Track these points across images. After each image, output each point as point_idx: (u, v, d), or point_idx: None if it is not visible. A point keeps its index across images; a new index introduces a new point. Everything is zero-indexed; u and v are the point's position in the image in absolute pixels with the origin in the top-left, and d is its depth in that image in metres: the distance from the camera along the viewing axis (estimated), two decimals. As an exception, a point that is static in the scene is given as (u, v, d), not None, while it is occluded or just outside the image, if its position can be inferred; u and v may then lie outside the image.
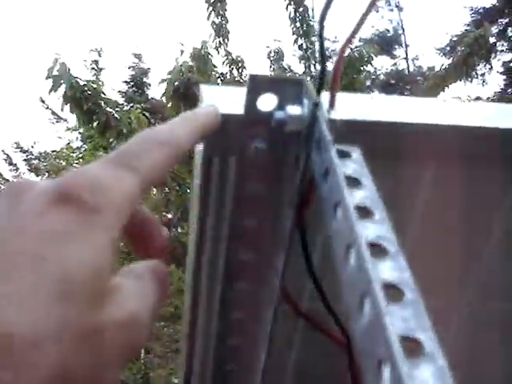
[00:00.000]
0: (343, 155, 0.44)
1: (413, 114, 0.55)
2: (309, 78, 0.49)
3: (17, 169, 9.64)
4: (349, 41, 0.47)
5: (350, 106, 0.54)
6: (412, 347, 0.31)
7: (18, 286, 0.26)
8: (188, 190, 4.67)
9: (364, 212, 0.39)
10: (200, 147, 0.52)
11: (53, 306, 0.27)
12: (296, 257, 0.59)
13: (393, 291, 0.34)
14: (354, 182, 0.41)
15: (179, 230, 5.56)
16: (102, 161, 0.34)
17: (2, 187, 5.36)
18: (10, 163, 9.93)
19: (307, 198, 0.52)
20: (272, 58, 6.07)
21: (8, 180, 6.09)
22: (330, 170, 0.40)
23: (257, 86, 0.47)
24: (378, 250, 0.36)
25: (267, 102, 0.48)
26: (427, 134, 0.53)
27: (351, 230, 0.34)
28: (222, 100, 0.53)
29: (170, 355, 5.17)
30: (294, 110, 0.46)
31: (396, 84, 12.07)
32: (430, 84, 6.54)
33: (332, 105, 0.47)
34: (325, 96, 0.48)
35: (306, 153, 0.47)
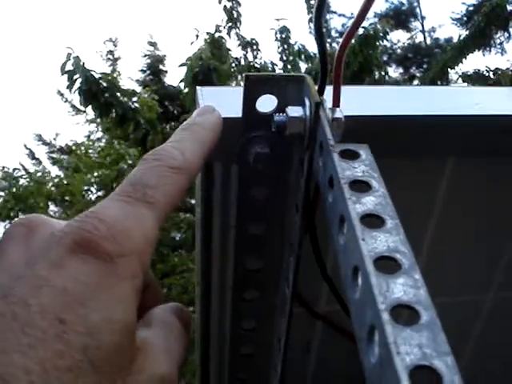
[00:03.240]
0: (350, 156, 0.41)
1: (426, 106, 0.51)
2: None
3: (40, 162, 9.72)
4: (351, 32, 0.43)
5: (357, 101, 0.50)
6: (432, 379, 0.28)
7: (43, 356, 0.24)
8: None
9: (374, 221, 0.35)
10: None
11: (81, 380, 0.25)
12: (311, 261, 0.56)
13: (408, 312, 0.31)
14: (362, 187, 0.38)
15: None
16: (117, 196, 0.32)
17: (25, 182, 5.40)
18: (33, 157, 10.01)
19: (314, 202, 0.48)
20: (279, 39, 5.99)
21: (31, 173, 6.14)
22: (334, 179, 0.37)
23: (254, 86, 0.44)
24: (390, 264, 0.33)
25: (267, 104, 0.45)
26: (443, 127, 0.49)
27: (357, 249, 0.31)
28: (221, 102, 0.50)
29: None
30: (294, 111, 0.43)
31: (413, 57, 11.86)
32: (448, 56, 6.41)
33: (336, 103, 0.44)
34: (329, 91, 0.44)
35: (310, 157, 0.43)
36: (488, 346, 0.74)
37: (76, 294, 0.26)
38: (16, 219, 0.32)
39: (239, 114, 0.45)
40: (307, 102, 0.43)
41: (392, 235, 0.35)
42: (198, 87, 0.50)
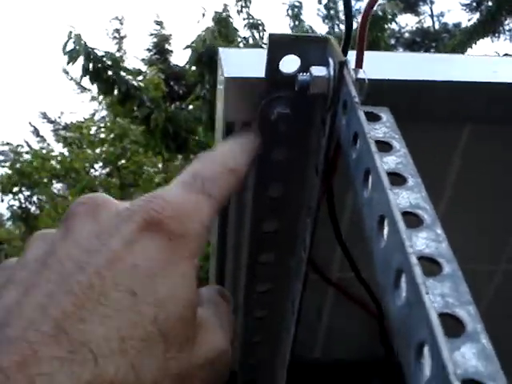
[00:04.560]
0: (372, 118, 0.41)
1: (447, 72, 0.52)
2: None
3: (44, 140, 9.73)
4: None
5: (379, 65, 0.50)
6: (453, 326, 0.28)
7: (119, 326, 0.26)
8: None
9: (397, 179, 0.36)
10: (219, 112, 0.50)
11: (153, 348, 0.27)
12: (325, 226, 0.57)
13: (430, 264, 0.31)
14: (384, 147, 0.38)
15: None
16: (179, 184, 0.34)
17: (29, 157, 5.40)
18: (38, 134, 10.02)
19: (334, 164, 0.49)
20: (290, 14, 5.94)
21: (36, 150, 6.13)
22: (359, 135, 0.37)
23: (278, 46, 0.44)
24: (412, 219, 0.34)
25: (290, 64, 0.45)
26: (463, 93, 0.50)
27: (385, 199, 0.32)
28: (242, 63, 0.50)
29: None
30: (318, 71, 0.43)
31: (421, 42, 11.79)
32: (457, 41, 6.38)
33: (359, 64, 0.44)
34: (351, 56, 0.45)
35: (332, 116, 0.44)
36: (495, 318, 0.75)
37: (145, 269, 0.28)
38: (79, 198, 0.33)
39: (261, 75, 0.45)
40: (331, 62, 0.43)
41: (414, 192, 0.35)
42: (220, 48, 0.51)
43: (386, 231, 0.31)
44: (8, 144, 6.12)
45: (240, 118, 0.50)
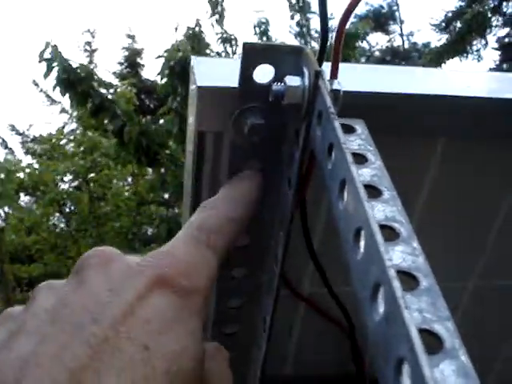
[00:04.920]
0: (347, 130, 0.40)
1: (422, 85, 0.51)
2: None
3: (12, 152, 9.58)
4: (352, 4, 0.43)
5: (354, 78, 0.50)
6: (431, 342, 0.28)
7: (133, 379, 0.26)
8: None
9: (372, 191, 0.35)
10: (191, 121, 0.49)
11: None
12: (297, 240, 0.56)
13: (407, 279, 0.30)
14: (359, 159, 0.38)
15: (176, 210, 5.54)
16: (186, 239, 0.36)
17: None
18: (6, 147, 9.87)
19: (307, 176, 0.48)
20: (257, 32, 5.97)
21: (1, 162, 6.02)
22: (335, 145, 0.37)
23: (251, 55, 0.43)
24: (389, 232, 0.33)
25: (264, 74, 0.44)
26: (437, 108, 0.49)
27: (362, 211, 0.31)
28: (215, 72, 0.49)
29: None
30: (293, 80, 0.42)
31: (391, 60, 11.95)
32: (427, 60, 6.48)
33: (334, 75, 0.43)
34: (326, 67, 0.44)
35: (307, 127, 0.43)
36: (465, 334, 0.74)
37: (157, 324, 0.29)
38: (89, 251, 0.34)
39: (234, 84, 0.44)
40: (306, 72, 0.42)
41: (389, 205, 0.35)
42: (192, 56, 0.50)
43: (362, 244, 0.30)
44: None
45: (212, 128, 0.49)
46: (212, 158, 0.51)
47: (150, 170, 5.44)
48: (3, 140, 9.71)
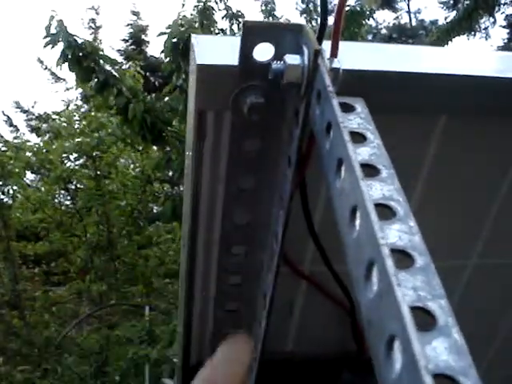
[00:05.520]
0: (346, 109, 0.40)
1: (422, 64, 0.51)
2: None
3: (17, 130, 9.58)
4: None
5: (354, 56, 0.49)
6: (425, 319, 0.28)
7: None
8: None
9: (370, 170, 0.35)
10: (191, 100, 0.49)
11: None
12: (297, 218, 0.56)
13: (402, 257, 0.30)
14: (358, 138, 0.38)
15: (181, 187, 5.54)
16: None
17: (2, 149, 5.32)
18: (11, 124, 9.87)
19: (307, 155, 0.48)
20: (264, 10, 5.90)
21: (8, 141, 6.01)
22: (333, 124, 0.37)
23: (252, 34, 0.43)
24: (385, 211, 0.33)
25: (264, 52, 0.44)
26: (437, 86, 0.49)
27: (357, 190, 0.31)
28: (215, 50, 0.49)
29: (175, 312, 5.22)
30: (292, 59, 0.42)
31: (398, 38, 11.83)
32: (434, 38, 6.42)
33: (334, 53, 0.43)
34: (326, 45, 0.44)
35: (306, 106, 0.43)
36: (465, 312, 0.75)
37: None
38: None
39: (235, 63, 0.44)
40: (305, 51, 0.42)
41: (387, 184, 0.35)
42: (193, 34, 0.49)
43: (358, 222, 0.31)
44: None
45: (212, 107, 0.49)
46: (212, 136, 0.51)
47: (154, 147, 5.45)
48: (8, 117, 9.71)
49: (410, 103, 0.50)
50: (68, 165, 5.70)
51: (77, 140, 5.37)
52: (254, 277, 0.58)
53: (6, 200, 5.48)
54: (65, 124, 5.93)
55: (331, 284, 0.68)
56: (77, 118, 6.03)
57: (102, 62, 4.40)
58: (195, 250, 0.58)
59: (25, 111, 10.34)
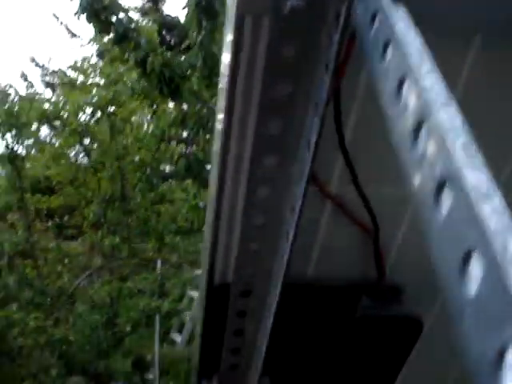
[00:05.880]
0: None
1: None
2: None
3: (32, 85, 9.56)
4: None
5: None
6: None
7: None
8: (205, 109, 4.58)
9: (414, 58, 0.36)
10: (230, 4, 0.49)
11: None
12: (327, 137, 0.56)
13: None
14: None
15: (194, 147, 5.54)
16: None
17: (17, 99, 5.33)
18: (26, 79, 9.85)
19: (345, 59, 0.49)
20: None
21: (22, 96, 6.02)
22: (379, 12, 0.37)
23: None
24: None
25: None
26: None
27: (405, 62, 0.31)
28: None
29: (185, 266, 5.27)
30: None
31: None
32: None
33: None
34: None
35: (347, 8, 0.43)
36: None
37: None
38: None
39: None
40: None
41: (430, 74, 0.35)
42: None
43: (405, 92, 0.31)
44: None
45: (252, 10, 0.49)
46: (250, 45, 0.51)
47: (170, 104, 5.43)
48: (23, 73, 9.68)
49: (448, 16, 0.50)
50: (83, 119, 5.69)
51: (93, 93, 5.35)
52: (283, 189, 0.59)
53: (20, 151, 5.48)
54: (81, 77, 5.92)
55: (357, 208, 0.69)
56: (90, 71, 6.00)
57: (120, 14, 4.37)
58: (225, 163, 0.59)
59: (40, 67, 10.30)
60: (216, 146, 0.60)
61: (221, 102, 0.55)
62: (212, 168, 0.61)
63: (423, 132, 0.29)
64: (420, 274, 0.83)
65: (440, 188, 0.27)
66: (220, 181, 0.60)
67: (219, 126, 0.57)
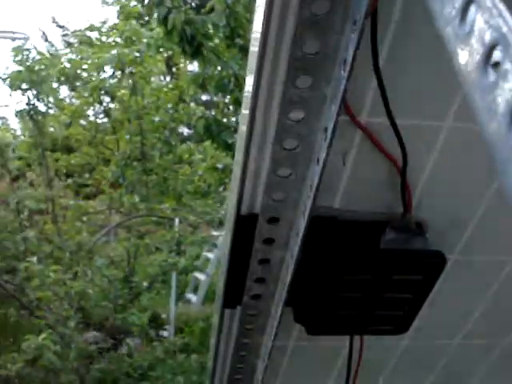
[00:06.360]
0: None
1: None
2: None
3: (52, 45, 9.57)
4: None
5: None
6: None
7: None
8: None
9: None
10: None
11: None
12: (361, 65, 0.56)
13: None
14: None
15: (213, 112, 5.54)
16: None
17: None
18: (46, 39, 9.86)
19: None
20: None
21: (43, 54, 6.01)
22: None
23: None
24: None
25: None
26: None
27: None
28: None
29: (202, 226, 5.32)
30: None
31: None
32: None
33: None
34: None
35: None
36: None
37: None
38: None
39: None
40: None
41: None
42: None
43: None
44: (14, 34, 6.02)
45: None
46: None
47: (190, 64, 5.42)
48: (43, 33, 9.68)
49: None
50: (102, 77, 5.68)
51: (113, 52, 5.34)
52: (316, 111, 0.59)
53: (40, 108, 5.49)
54: (99, 36, 5.91)
55: (386, 140, 0.69)
56: (110, 30, 5.98)
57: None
58: (259, 82, 0.59)
59: (61, 26, 10.30)
60: (250, 66, 0.60)
61: (257, 21, 0.56)
62: (244, 93, 0.62)
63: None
64: (446, 212, 0.84)
65: (489, 56, 0.27)
66: (253, 104, 0.60)
67: (253, 48, 0.58)
